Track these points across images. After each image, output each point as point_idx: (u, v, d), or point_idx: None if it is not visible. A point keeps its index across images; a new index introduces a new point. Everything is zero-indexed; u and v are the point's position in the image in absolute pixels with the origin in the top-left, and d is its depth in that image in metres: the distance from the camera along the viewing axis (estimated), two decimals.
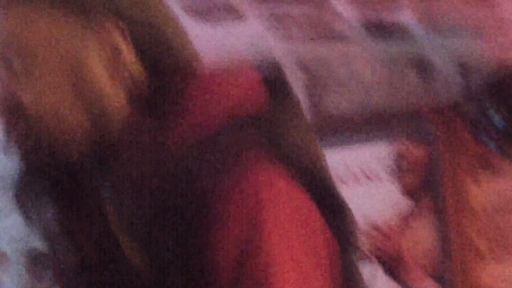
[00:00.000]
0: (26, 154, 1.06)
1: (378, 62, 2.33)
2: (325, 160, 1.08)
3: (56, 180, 1.07)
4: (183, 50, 1.09)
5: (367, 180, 2.25)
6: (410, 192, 2.28)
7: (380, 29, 2.36)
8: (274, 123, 1.04)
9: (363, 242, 2.18)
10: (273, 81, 1.09)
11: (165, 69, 1.07)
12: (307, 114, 1.12)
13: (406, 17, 2.37)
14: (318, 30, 2.40)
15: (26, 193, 1.08)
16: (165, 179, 1.01)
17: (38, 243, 1.14)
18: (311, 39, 2.40)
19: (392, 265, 2.25)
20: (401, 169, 2.27)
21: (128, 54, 1.05)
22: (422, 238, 2.28)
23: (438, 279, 2.28)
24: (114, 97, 1.05)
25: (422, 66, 2.35)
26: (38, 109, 1.04)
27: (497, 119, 2.17)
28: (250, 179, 0.99)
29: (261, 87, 1.07)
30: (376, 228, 2.24)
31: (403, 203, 2.27)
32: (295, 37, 2.42)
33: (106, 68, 1.05)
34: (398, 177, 2.27)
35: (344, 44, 2.37)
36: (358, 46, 2.36)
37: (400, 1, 2.39)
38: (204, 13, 2.75)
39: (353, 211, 1.08)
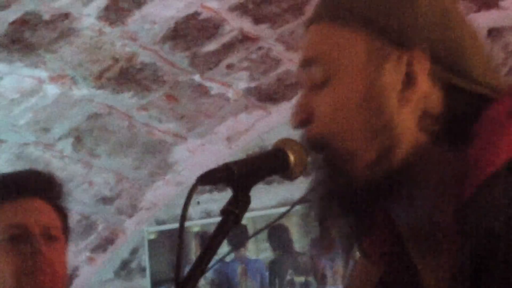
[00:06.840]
0: (324, 179, 1.08)
1: None
2: None
3: (349, 200, 1.06)
4: (485, 79, 1.07)
5: None
6: None
7: None
8: None
9: None
10: None
11: (461, 99, 1.05)
12: None
13: None
14: None
15: (324, 213, 1.08)
16: (459, 208, 0.99)
17: None
18: None
19: None
20: None
21: (424, 84, 1.04)
22: None
23: None
24: (403, 124, 1.03)
25: None
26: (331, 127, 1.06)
27: None
28: None
29: None
30: None
31: None
32: None
33: (398, 94, 1.04)
34: None
35: None
36: None
37: None
38: None
39: None
